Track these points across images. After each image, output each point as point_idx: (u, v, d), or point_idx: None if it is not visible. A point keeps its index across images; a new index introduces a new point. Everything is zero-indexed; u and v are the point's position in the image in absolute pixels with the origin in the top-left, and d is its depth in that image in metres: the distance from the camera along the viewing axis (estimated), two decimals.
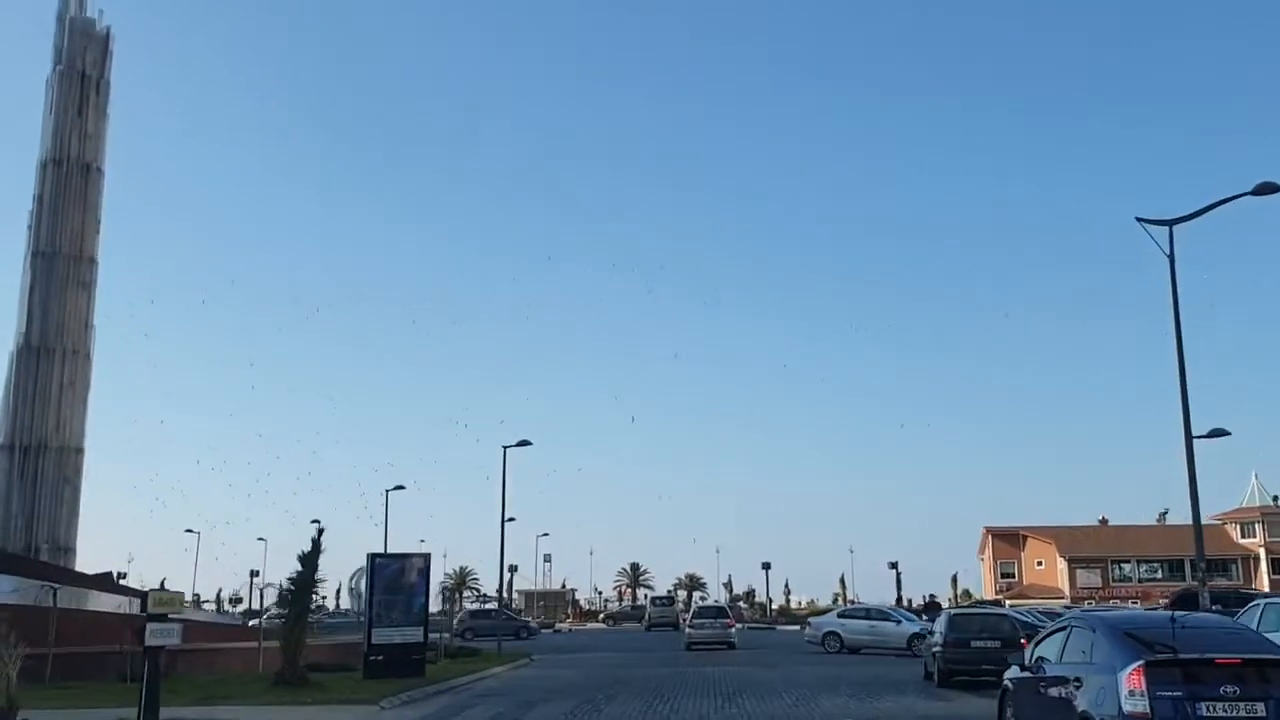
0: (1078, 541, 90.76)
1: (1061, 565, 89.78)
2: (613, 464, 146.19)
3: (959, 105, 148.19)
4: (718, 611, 41.36)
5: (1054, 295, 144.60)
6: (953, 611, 26.50)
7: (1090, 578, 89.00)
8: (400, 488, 42.95)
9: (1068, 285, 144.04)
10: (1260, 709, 8.61)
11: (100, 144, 34.98)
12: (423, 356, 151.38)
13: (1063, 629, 11.11)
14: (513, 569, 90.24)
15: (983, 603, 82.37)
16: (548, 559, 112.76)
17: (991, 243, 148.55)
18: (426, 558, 23.33)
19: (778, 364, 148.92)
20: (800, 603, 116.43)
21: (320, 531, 19.76)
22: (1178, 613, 10.36)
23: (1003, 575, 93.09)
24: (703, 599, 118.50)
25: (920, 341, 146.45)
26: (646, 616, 67.15)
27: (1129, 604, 79.88)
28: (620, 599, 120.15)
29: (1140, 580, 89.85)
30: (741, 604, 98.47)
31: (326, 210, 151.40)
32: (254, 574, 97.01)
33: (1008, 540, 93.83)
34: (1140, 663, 8.87)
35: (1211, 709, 8.60)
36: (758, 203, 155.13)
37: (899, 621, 35.56)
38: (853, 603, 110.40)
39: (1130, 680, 8.80)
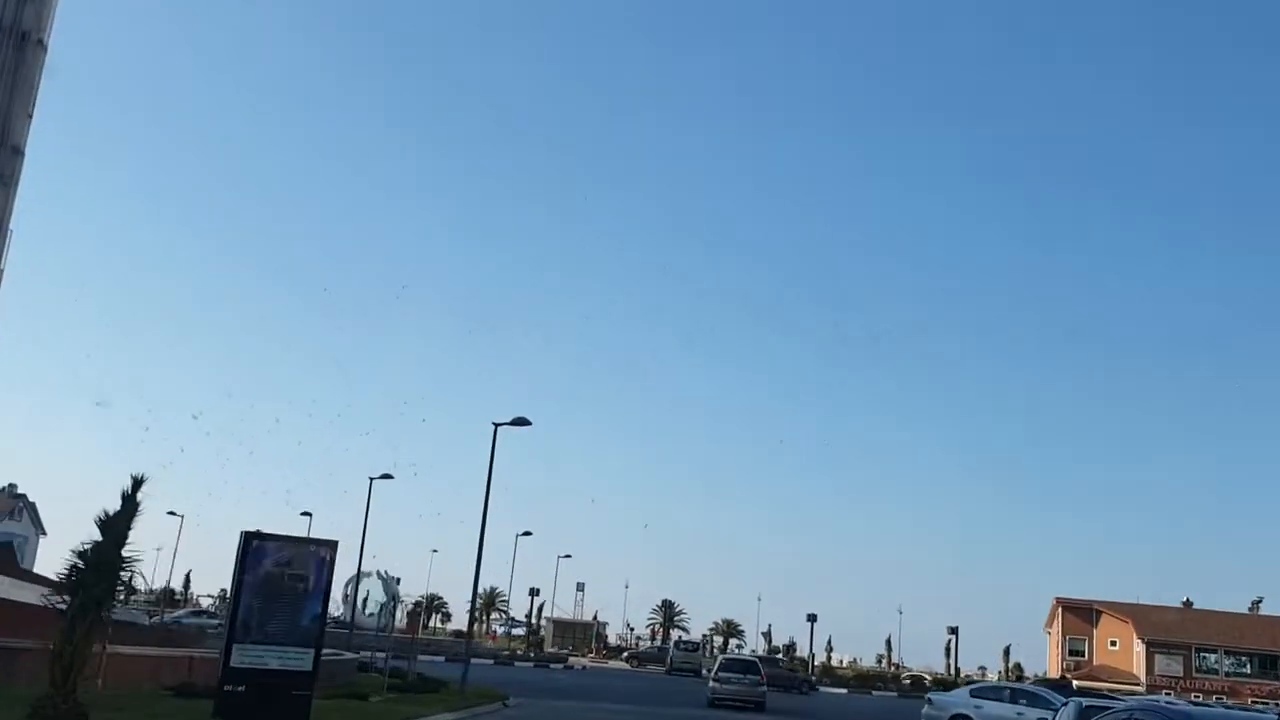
0: (1159, 624, 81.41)
1: (1139, 648, 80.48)
2: (657, 498, 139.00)
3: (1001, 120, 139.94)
4: (747, 666, 36.01)
5: (1147, 351, 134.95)
6: (1085, 701, 19.08)
7: (1171, 665, 79.51)
8: (387, 476, 35.85)
9: (1163, 333, 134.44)
10: None
11: (45, 11, 28.83)
12: (476, 368, 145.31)
13: (1124, 717, 9.01)
14: (534, 592, 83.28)
15: (1044, 680, 73.80)
16: (580, 588, 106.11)
17: (1075, 293, 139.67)
18: (331, 547, 16.23)
19: (848, 417, 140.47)
20: (842, 661, 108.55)
21: (136, 484, 12.70)
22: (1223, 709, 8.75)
23: (1071, 653, 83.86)
24: (739, 647, 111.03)
25: (1014, 403, 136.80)
26: (670, 660, 66.13)
27: (1216, 699, 71.00)
28: (653, 637, 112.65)
29: (1227, 674, 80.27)
30: (780, 657, 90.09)
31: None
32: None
33: (1079, 614, 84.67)
34: None
35: None
36: (809, 247, 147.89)
37: (1058, 708, 24.92)
38: (894, 664, 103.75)
39: None
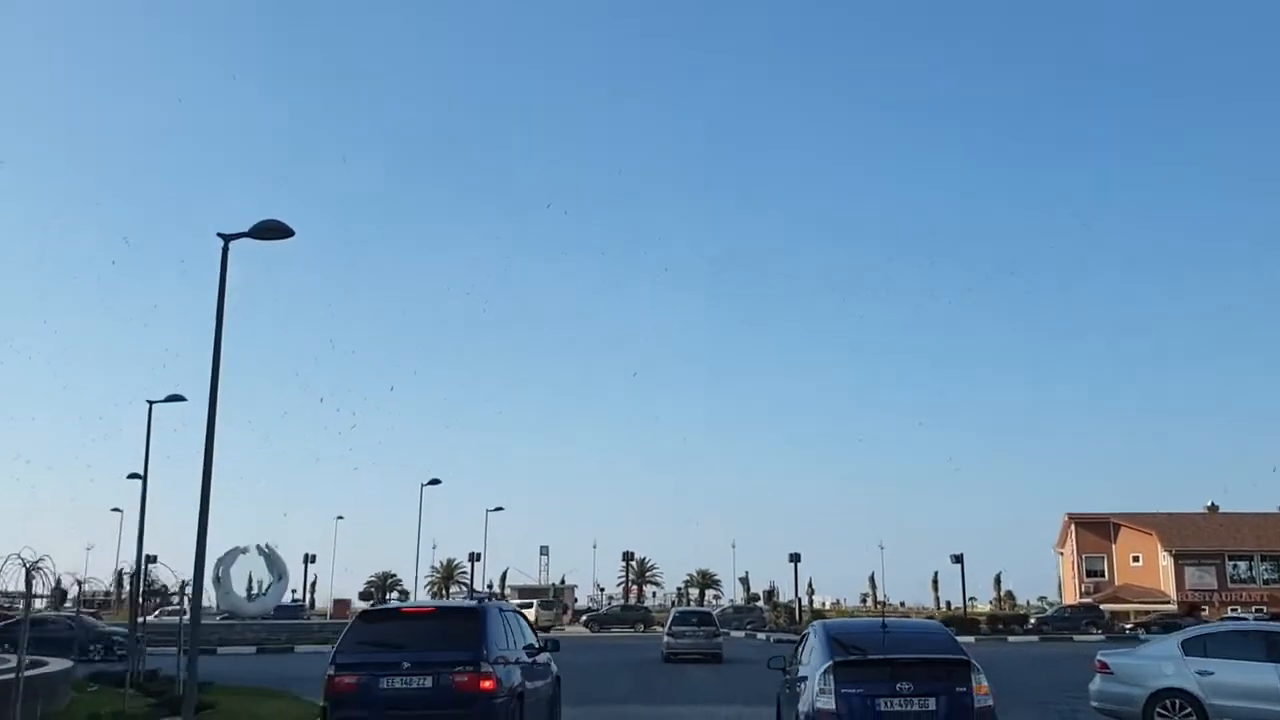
0: (1186, 533, 71.98)
1: (1165, 561, 71.07)
2: (620, 454, 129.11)
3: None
4: (701, 618, 35.08)
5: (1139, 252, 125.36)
6: None
7: (1204, 577, 70.15)
8: (177, 398, 24.78)
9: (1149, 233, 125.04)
10: (931, 704, 9.33)
11: None
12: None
13: (806, 635, 11.28)
14: (474, 557, 72.81)
15: (1074, 608, 64.38)
16: (545, 551, 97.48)
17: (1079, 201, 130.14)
18: None
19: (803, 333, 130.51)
20: (825, 604, 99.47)
21: None
22: (890, 619, 10.46)
23: (1089, 573, 74.49)
24: (716, 598, 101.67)
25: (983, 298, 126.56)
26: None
27: (1255, 611, 62.00)
28: (625, 596, 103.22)
29: (1265, 582, 71.02)
30: (760, 605, 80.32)
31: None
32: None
33: (1095, 530, 75.26)
34: (829, 663, 9.54)
35: (889, 704, 9.29)
36: (791, 179, 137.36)
37: None
38: (878, 603, 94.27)
39: (821, 679, 9.45)
